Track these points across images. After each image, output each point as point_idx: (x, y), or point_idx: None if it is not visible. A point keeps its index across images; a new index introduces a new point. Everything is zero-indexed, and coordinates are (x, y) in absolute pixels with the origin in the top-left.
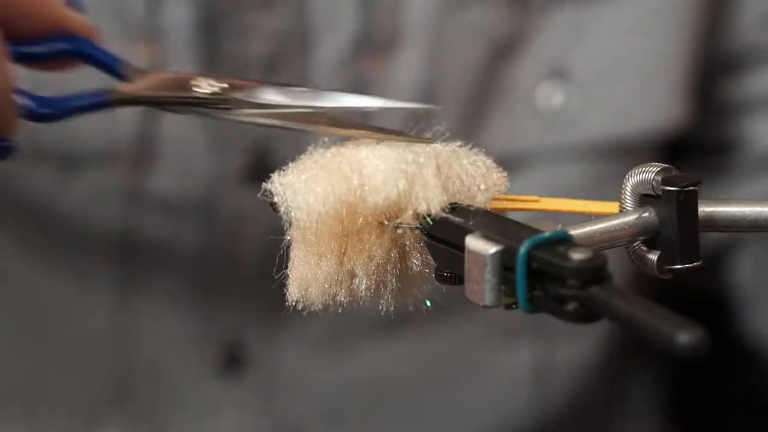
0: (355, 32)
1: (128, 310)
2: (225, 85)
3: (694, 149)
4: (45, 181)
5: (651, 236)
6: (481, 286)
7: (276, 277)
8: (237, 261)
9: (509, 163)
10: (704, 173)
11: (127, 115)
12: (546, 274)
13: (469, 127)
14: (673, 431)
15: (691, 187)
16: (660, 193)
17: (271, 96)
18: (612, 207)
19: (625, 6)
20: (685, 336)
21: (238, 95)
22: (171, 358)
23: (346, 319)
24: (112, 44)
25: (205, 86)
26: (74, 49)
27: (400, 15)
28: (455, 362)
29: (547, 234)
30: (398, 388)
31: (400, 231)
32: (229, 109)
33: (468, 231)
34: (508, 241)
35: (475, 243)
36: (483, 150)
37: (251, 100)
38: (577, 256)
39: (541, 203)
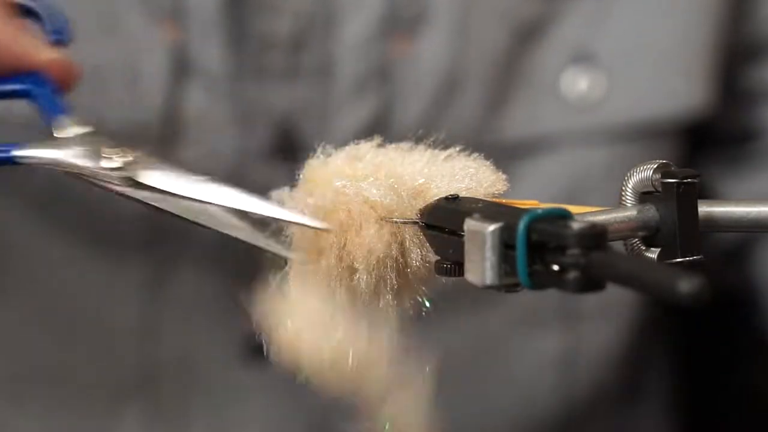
0: (380, 13)
1: (155, 297)
2: (129, 159)
3: (718, 136)
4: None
5: (651, 233)
6: (482, 266)
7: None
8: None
9: (532, 147)
10: (727, 161)
11: (151, 94)
12: (546, 248)
13: (492, 111)
14: (693, 420)
15: (689, 179)
16: (659, 188)
17: (163, 180)
18: None
19: None
20: (685, 284)
21: (133, 174)
22: (197, 345)
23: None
24: (138, 23)
25: (114, 159)
26: (27, 90)
27: None
28: (481, 349)
29: (545, 209)
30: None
31: (399, 225)
32: (119, 185)
33: (467, 214)
34: (507, 218)
35: (474, 224)
36: (505, 134)
37: (143, 181)
38: (577, 225)
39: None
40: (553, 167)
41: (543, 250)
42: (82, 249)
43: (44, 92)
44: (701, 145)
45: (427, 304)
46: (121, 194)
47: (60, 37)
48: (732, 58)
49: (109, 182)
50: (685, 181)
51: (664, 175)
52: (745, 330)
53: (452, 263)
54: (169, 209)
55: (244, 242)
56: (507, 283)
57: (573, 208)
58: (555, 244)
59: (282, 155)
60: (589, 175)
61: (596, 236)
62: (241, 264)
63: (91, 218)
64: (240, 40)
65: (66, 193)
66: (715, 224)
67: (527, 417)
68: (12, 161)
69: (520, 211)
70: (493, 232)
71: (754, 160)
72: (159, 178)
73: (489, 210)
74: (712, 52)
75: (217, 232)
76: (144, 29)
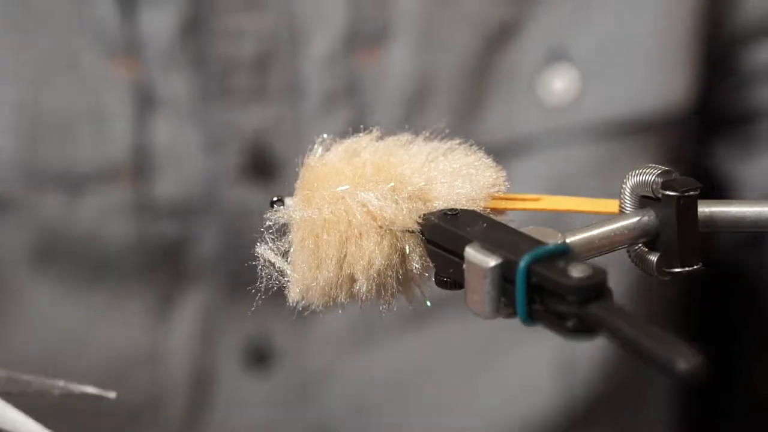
0: (344, 28)
1: (160, 322)
2: None
3: (717, 122)
4: (54, 207)
5: (651, 238)
6: (481, 297)
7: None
8: (254, 256)
9: (512, 150)
10: (724, 146)
11: (119, 130)
12: (545, 289)
13: (468, 116)
14: (695, 420)
15: (691, 192)
16: (659, 196)
17: None
18: (612, 206)
19: None
20: (683, 363)
21: None
22: (202, 358)
23: (372, 313)
24: (95, 63)
25: None
26: None
27: (389, 8)
28: (480, 354)
29: (546, 247)
30: (424, 379)
31: (399, 234)
32: None
33: (467, 241)
34: (507, 254)
35: (474, 254)
36: (483, 139)
37: None
38: (576, 273)
39: (542, 202)
40: (533, 168)
41: (542, 292)
42: (81, 283)
43: None
44: (696, 133)
45: (428, 303)
46: None
47: None
48: (723, 44)
49: None
50: (685, 194)
51: (665, 186)
52: (750, 328)
53: (452, 280)
54: None
55: None
56: (506, 313)
57: (574, 202)
58: (554, 290)
59: (256, 176)
60: (570, 175)
61: (594, 287)
62: (236, 272)
63: (87, 252)
64: (202, 65)
65: (51, 232)
66: (716, 224)
67: (524, 421)
68: None
69: (520, 245)
70: (494, 268)
71: (754, 142)
72: None
73: (490, 236)
74: (690, 44)
75: None
76: (102, 68)
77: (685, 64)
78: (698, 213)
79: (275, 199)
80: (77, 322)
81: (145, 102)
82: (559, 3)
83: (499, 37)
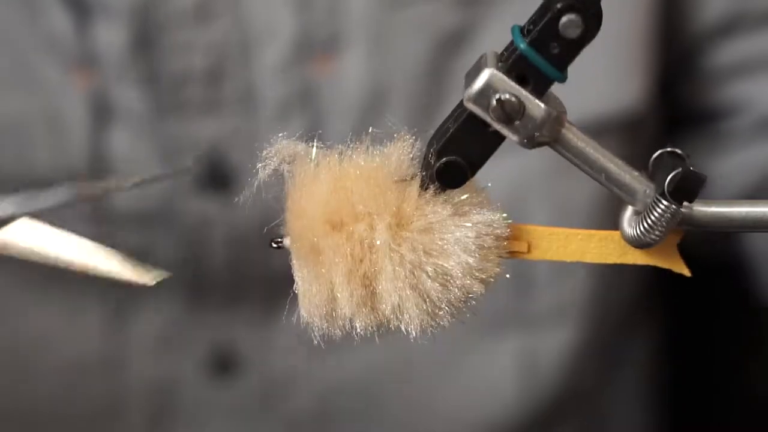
0: (295, 36)
1: (119, 329)
2: None
3: (675, 122)
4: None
5: None
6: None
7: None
8: (214, 264)
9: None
10: (690, 145)
11: (75, 140)
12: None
13: (425, 122)
14: (668, 420)
15: None
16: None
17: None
18: (613, 235)
19: None
20: None
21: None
22: (163, 366)
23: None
24: (52, 73)
25: None
26: None
27: (340, 15)
28: (443, 356)
29: None
30: (389, 383)
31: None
32: None
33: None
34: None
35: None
36: None
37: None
38: None
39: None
40: (491, 173)
41: None
42: (39, 288)
43: None
44: (673, 129)
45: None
46: None
47: None
48: (685, 43)
49: None
50: None
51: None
52: (722, 322)
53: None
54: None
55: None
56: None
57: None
58: None
59: (213, 186)
60: (528, 180)
61: None
62: (197, 281)
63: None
64: (155, 78)
65: None
66: (717, 224)
67: (489, 421)
68: None
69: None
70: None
71: (723, 140)
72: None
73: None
74: (650, 44)
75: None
76: (58, 78)
77: (646, 65)
78: (699, 213)
79: (276, 243)
80: (33, 328)
81: (102, 113)
82: (513, 7)
83: (453, 44)
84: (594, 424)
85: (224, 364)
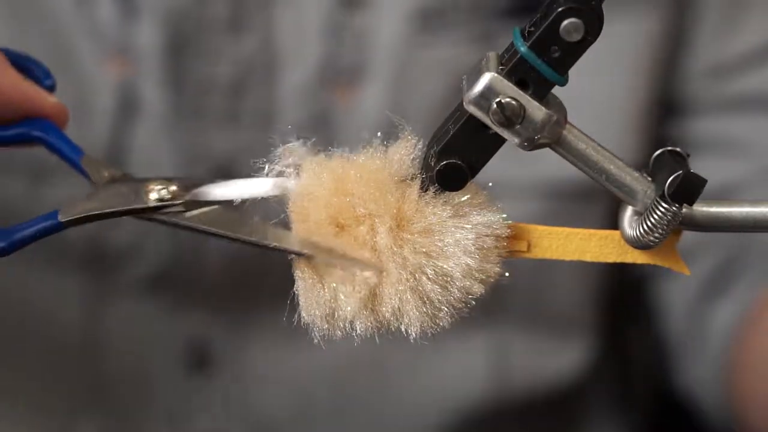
0: (320, 61)
1: (97, 312)
2: (174, 188)
3: None
4: (16, 192)
5: None
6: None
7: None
8: (200, 263)
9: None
10: None
11: (98, 128)
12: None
13: None
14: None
15: None
16: None
17: (217, 192)
18: (613, 235)
19: (592, 45)
20: None
21: (188, 196)
22: (141, 360)
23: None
24: (89, 60)
25: (158, 191)
26: (41, 137)
27: (366, 48)
28: (416, 347)
29: None
30: (364, 378)
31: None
32: (183, 212)
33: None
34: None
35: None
36: None
37: (200, 199)
38: None
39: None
40: None
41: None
42: (21, 266)
43: (58, 136)
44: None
45: None
46: (170, 224)
47: (52, 84)
48: (657, 113)
49: (158, 216)
50: None
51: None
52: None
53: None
54: (215, 231)
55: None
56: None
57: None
58: None
59: None
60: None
61: None
62: (180, 277)
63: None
64: (181, 81)
65: (7, 215)
66: (717, 225)
67: (459, 416)
68: (61, 227)
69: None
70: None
71: None
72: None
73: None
74: (641, 109)
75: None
76: (94, 65)
77: (634, 131)
78: (699, 213)
79: None
80: (23, 307)
81: (127, 106)
82: None
83: None
84: (567, 416)
85: (201, 360)
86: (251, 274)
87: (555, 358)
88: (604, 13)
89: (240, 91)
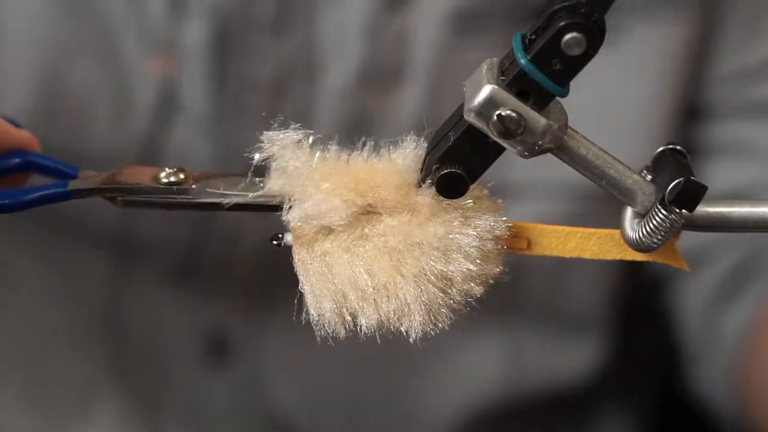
0: (360, 64)
1: (120, 298)
2: (182, 176)
3: None
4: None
5: None
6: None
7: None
8: (226, 254)
9: (502, 190)
10: None
11: (138, 123)
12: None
13: None
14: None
15: None
16: None
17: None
18: (613, 234)
19: (618, 51)
20: None
21: (196, 185)
22: (162, 345)
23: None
24: (133, 54)
25: (170, 176)
26: (25, 162)
27: (406, 51)
28: (431, 344)
29: None
30: (380, 372)
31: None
32: (188, 197)
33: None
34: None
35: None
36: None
37: (208, 189)
38: None
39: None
40: (516, 213)
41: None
42: (50, 253)
43: (45, 161)
44: None
45: None
46: (180, 206)
47: (17, 122)
48: (684, 117)
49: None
50: None
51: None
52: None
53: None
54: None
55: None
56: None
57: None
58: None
59: None
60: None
61: None
62: (203, 265)
63: (59, 223)
64: (223, 80)
65: None
66: (717, 225)
67: (473, 414)
68: (67, 196)
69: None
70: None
71: None
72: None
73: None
74: (668, 113)
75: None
76: (138, 59)
77: (661, 135)
78: (699, 214)
79: (276, 240)
80: (48, 287)
81: (168, 102)
82: None
83: None
84: (580, 416)
85: (219, 348)
86: (274, 265)
87: (568, 358)
88: (630, 19)
89: (280, 92)
